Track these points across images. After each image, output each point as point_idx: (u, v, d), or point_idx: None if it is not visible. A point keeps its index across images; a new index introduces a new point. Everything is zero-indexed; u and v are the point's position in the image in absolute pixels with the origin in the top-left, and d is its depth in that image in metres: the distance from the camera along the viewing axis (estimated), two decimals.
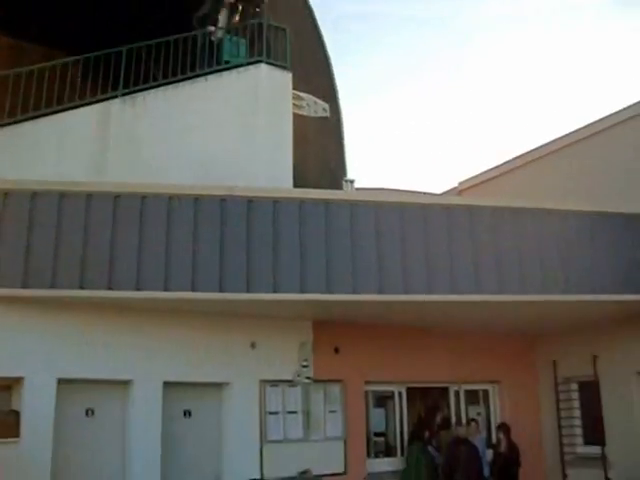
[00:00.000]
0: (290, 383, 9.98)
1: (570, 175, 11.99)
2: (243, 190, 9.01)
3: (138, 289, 8.51)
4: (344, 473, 10.12)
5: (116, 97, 9.58)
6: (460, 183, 14.17)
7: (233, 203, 8.90)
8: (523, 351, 12.35)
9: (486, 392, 12.22)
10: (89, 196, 8.53)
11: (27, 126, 9.06)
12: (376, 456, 10.87)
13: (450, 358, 11.38)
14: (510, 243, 9.59)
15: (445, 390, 11.82)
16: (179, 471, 9.19)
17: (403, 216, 9.36)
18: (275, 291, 8.79)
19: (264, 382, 9.79)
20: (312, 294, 8.90)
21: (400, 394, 11.23)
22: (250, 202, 8.93)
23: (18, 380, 8.32)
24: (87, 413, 8.89)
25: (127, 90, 9.67)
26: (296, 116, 11.01)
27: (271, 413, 9.77)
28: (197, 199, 8.80)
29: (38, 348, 8.39)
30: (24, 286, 8.20)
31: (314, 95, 11.38)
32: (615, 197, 10.97)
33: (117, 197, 8.60)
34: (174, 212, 8.72)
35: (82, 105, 9.41)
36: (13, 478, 7.95)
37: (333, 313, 10.06)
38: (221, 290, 8.64)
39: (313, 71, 11.82)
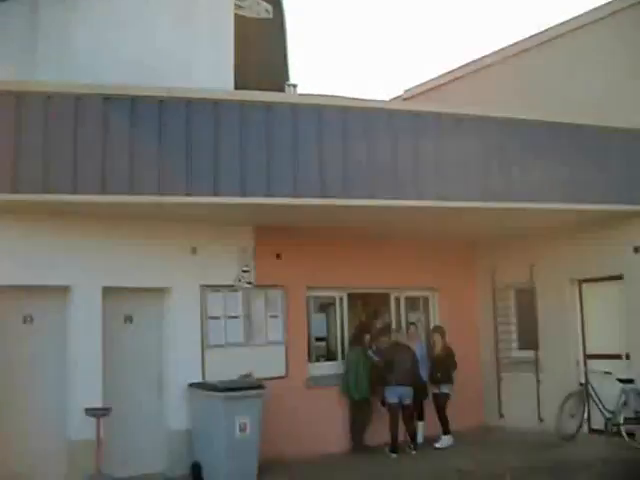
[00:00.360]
0: (231, 288, 9.96)
1: (516, 84, 11.96)
2: (182, 91, 8.67)
3: (75, 193, 8.28)
4: (285, 376, 10.28)
5: None
6: (405, 91, 14.01)
7: (172, 104, 8.61)
8: (463, 259, 12.61)
9: (426, 299, 12.46)
10: (19, 97, 8.16)
11: None
12: (317, 360, 11.06)
13: (391, 265, 11.52)
14: (452, 150, 9.53)
15: (386, 296, 11.98)
16: (121, 377, 9.16)
17: (346, 120, 9.16)
18: (215, 194, 8.65)
19: (205, 287, 9.74)
20: (252, 198, 8.75)
21: (341, 300, 11.35)
22: (189, 103, 8.62)
23: None
24: (25, 320, 8.75)
25: None
26: (237, 16, 10.63)
27: (212, 318, 9.77)
28: (134, 99, 8.44)
29: None
30: None
31: None
32: (558, 107, 11.01)
33: (49, 98, 8.25)
34: (110, 113, 8.43)
35: None
36: None
37: (274, 218, 9.96)
38: (160, 193, 8.41)
39: None
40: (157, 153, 8.45)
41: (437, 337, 11.21)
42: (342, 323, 11.29)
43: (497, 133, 9.85)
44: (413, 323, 11.70)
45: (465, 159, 9.62)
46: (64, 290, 8.85)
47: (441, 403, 10.97)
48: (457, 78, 12.62)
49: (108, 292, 9.08)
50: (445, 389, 10.96)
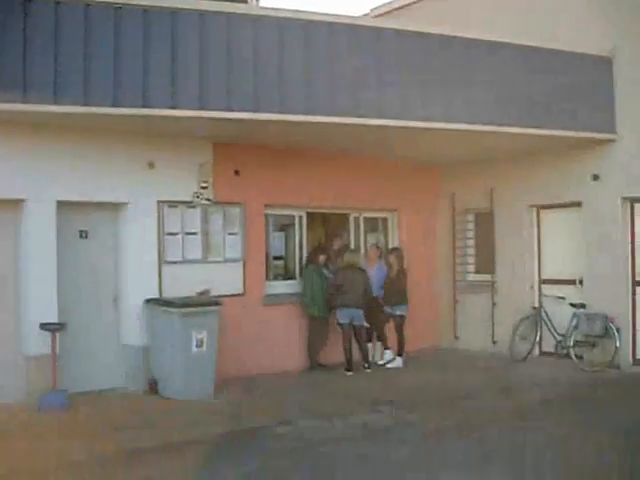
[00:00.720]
0: (189, 204, 9.79)
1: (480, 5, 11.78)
2: None
3: (25, 102, 7.97)
4: (243, 294, 10.26)
5: None
6: (372, 9, 13.65)
7: (128, 13, 8.20)
8: (424, 181, 12.58)
9: (385, 220, 12.48)
10: None
11: None
12: (275, 279, 11.08)
13: (352, 184, 11.47)
14: (415, 68, 9.35)
15: (345, 217, 11.96)
16: (77, 293, 9.06)
17: (308, 33, 8.91)
18: (173, 107, 8.38)
19: (162, 203, 9.55)
20: (212, 111, 8.50)
21: (300, 218, 11.26)
22: (146, 12, 8.25)
23: None
24: None
25: None
26: None
27: (170, 234, 9.61)
28: (88, 5, 8.04)
29: None
30: None
31: None
32: (523, 29, 10.83)
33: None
34: (62, 19, 8.05)
35: None
36: None
37: (233, 133, 9.72)
38: (115, 105, 8.12)
39: None
40: (113, 63, 8.07)
41: (393, 259, 11.23)
42: (300, 242, 11.23)
43: (459, 53, 9.64)
44: (375, 245, 11.73)
45: (427, 78, 9.43)
46: (18, 203, 8.58)
47: (397, 325, 11.14)
48: None
49: (62, 206, 8.81)
50: (399, 311, 11.10)
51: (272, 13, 9.33)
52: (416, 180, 12.38)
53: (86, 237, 9.27)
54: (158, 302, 9.13)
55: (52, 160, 8.71)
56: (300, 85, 8.85)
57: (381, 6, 13.28)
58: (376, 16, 13.04)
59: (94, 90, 8.03)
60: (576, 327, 10.51)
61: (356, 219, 12.02)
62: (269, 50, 8.76)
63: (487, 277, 12.03)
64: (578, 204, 10.81)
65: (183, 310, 8.75)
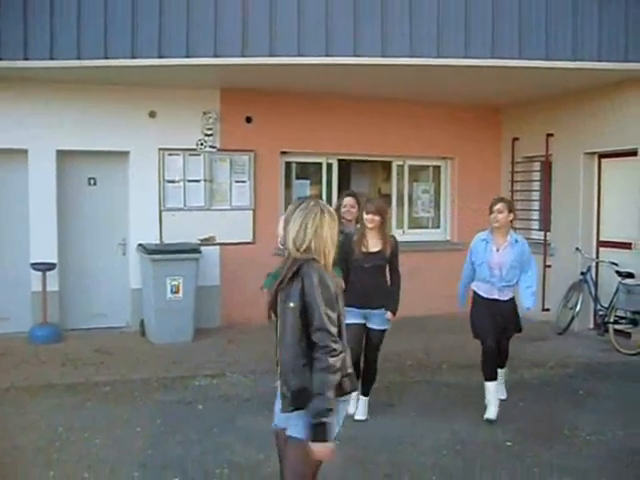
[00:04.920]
0: (192, 152, 9.86)
1: None
2: None
3: (26, 59, 8.57)
4: (253, 243, 10.19)
5: None
6: None
7: None
8: (482, 126, 11.23)
9: (437, 168, 11.44)
10: None
11: None
12: None
13: (394, 129, 10.67)
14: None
15: (387, 164, 11.18)
16: (86, 236, 9.72)
17: None
18: (188, 55, 8.48)
19: (164, 150, 9.75)
20: (226, 58, 8.36)
21: (330, 166, 10.76)
22: None
23: None
24: None
25: None
26: None
27: (170, 182, 9.81)
28: None
29: None
30: None
31: None
32: None
33: None
34: None
35: None
36: None
37: (245, 79, 9.45)
38: (132, 56, 8.28)
39: None
40: (130, 14, 8.18)
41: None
42: (329, 190, 10.74)
43: None
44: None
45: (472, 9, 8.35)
46: (22, 153, 9.29)
47: None
48: None
49: (65, 155, 9.46)
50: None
51: None
52: (472, 124, 11.11)
53: (95, 184, 9.84)
54: (141, 248, 9.44)
55: (53, 111, 9.27)
56: (320, 22, 8.21)
57: None
58: None
59: (113, 43, 8.22)
60: (619, 300, 8.91)
61: (400, 167, 11.16)
62: None
63: (541, 235, 10.54)
64: (634, 153, 9.00)
65: (154, 257, 8.98)
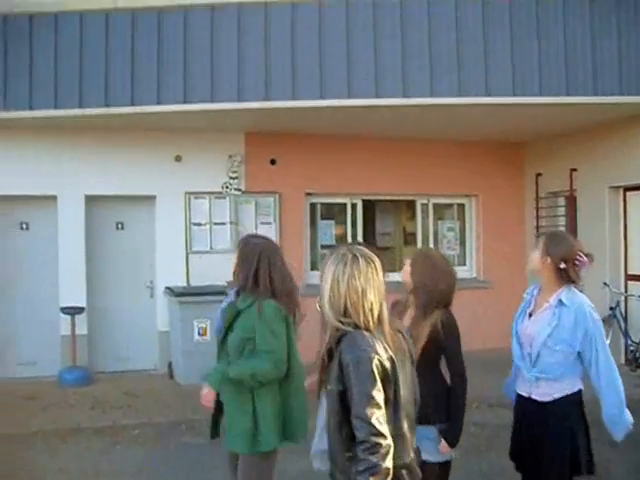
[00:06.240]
0: (218, 195, 10.01)
1: None
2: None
3: (56, 107, 8.85)
4: None
5: None
6: None
7: (168, 15, 8.58)
8: (505, 162, 11.22)
9: (461, 206, 11.43)
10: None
11: None
12: None
13: (417, 168, 10.71)
14: (477, 35, 8.42)
15: (411, 203, 11.21)
16: (113, 279, 9.87)
17: (347, 14, 8.49)
18: (212, 101, 8.70)
19: (189, 194, 9.92)
20: (249, 102, 8.62)
21: (354, 206, 10.82)
22: (187, 12, 8.55)
23: None
24: (21, 226, 9.69)
25: None
26: None
27: (196, 224, 9.96)
28: (134, 12, 8.53)
29: None
30: None
31: None
32: None
33: (31, 17, 8.70)
34: (87, 30, 8.58)
35: None
36: None
37: (269, 122, 9.65)
38: (158, 102, 8.57)
39: None
40: (156, 63, 8.48)
41: None
42: (354, 230, 10.78)
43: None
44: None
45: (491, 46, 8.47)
46: (52, 199, 9.53)
47: None
48: None
49: (93, 200, 9.68)
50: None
51: None
52: (495, 160, 11.10)
53: (122, 228, 10.01)
54: (168, 291, 9.53)
55: (82, 157, 9.51)
56: (341, 67, 8.44)
57: None
58: None
59: (139, 90, 8.52)
60: None
61: (424, 206, 11.20)
62: (307, 34, 8.53)
63: None
64: None
65: (181, 299, 9.07)
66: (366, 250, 2.86)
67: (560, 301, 3.86)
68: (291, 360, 3.97)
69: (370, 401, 2.63)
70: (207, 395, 3.95)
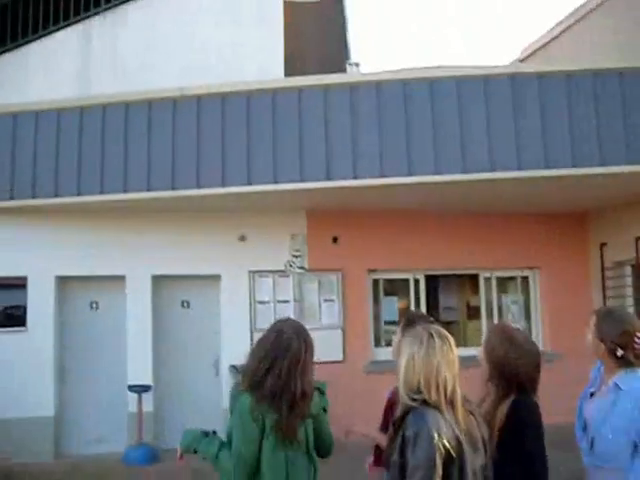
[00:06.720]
0: (281, 273, 10.19)
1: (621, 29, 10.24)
2: (243, 85, 9.10)
3: (125, 191, 9.28)
4: (343, 361, 10.22)
5: (97, 14, 10.10)
6: (522, 51, 12.63)
7: (232, 98, 9.06)
8: (569, 232, 11.12)
9: (525, 279, 11.29)
10: (81, 110, 9.25)
11: (15, 53, 10.02)
12: (388, 344, 10.74)
13: (479, 241, 10.71)
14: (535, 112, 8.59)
15: (474, 277, 11.14)
16: (180, 356, 10.05)
17: (404, 93, 8.86)
18: (276, 182, 8.98)
19: (253, 272, 10.12)
20: (311, 182, 8.92)
21: (417, 281, 10.83)
22: (251, 95, 9.03)
23: (22, 279, 9.65)
24: (92, 306, 10.04)
25: (108, 5, 10.13)
26: (291, 3, 10.63)
27: (261, 302, 10.12)
28: (200, 98, 9.08)
29: (38, 251, 9.63)
30: (34, 196, 9.27)
31: None
32: None
33: (104, 107, 9.26)
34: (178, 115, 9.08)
35: (65, 26, 10.07)
36: (24, 359, 9.48)
37: (331, 201, 9.92)
38: (223, 185, 8.96)
39: None
40: (220, 147, 8.91)
41: None
42: (418, 306, 10.71)
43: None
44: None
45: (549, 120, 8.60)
46: (121, 279, 9.90)
47: None
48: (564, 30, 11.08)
49: (160, 279, 9.99)
50: None
51: (369, 78, 9.48)
52: (557, 232, 11.02)
53: (188, 306, 10.25)
54: (233, 369, 9.56)
55: (149, 239, 9.88)
56: (401, 146, 8.73)
57: (528, 46, 12.20)
58: (525, 58, 12.06)
59: (205, 174, 8.94)
60: None
61: (487, 279, 11.13)
62: (366, 115, 8.85)
63: None
64: None
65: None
66: (440, 328, 2.96)
67: (617, 385, 3.51)
68: (262, 462, 3.51)
69: (422, 477, 2.67)
70: (179, 457, 3.69)
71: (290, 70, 10.32)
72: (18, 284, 9.69)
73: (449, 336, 2.93)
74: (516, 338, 3.58)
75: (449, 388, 2.81)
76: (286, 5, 10.32)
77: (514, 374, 3.47)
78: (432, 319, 4.36)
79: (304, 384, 3.51)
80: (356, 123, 8.92)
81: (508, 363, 3.47)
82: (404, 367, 2.88)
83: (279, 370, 3.53)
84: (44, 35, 9.98)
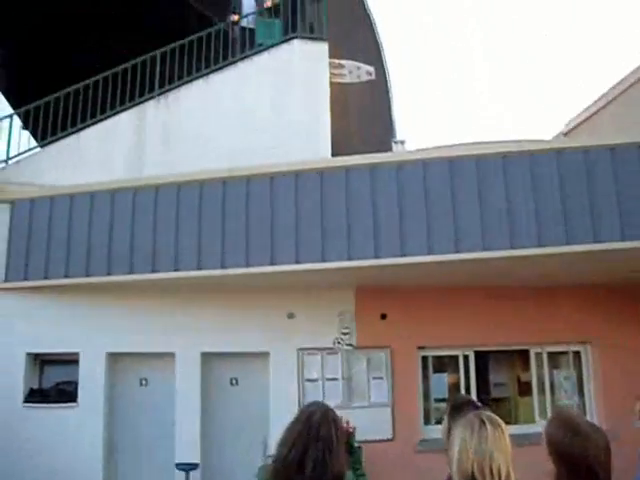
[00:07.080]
0: (330, 351, 10.16)
1: None
2: (289, 165, 9.39)
3: (176, 270, 9.47)
4: (392, 439, 10.04)
5: (151, 99, 10.54)
6: (566, 125, 12.70)
7: (279, 179, 9.32)
8: (621, 305, 10.82)
9: (577, 354, 11.02)
10: (135, 191, 9.65)
11: (74, 138, 10.48)
12: (438, 422, 10.55)
13: (529, 316, 10.53)
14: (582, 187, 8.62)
15: (525, 352, 10.93)
16: (228, 434, 10.02)
17: (450, 170, 9.01)
18: (324, 260, 9.10)
19: (302, 350, 10.13)
20: (359, 260, 9.00)
21: (466, 358, 10.68)
22: (297, 176, 9.29)
23: (74, 355, 9.83)
24: (141, 383, 10.15)
25: (162, 90, 10.57)
26: (338, 84, 10.94)
27: (309, 380, 10.08)
28: (249, 179, 9.37)
29: (92, 327, 9.84)
30: (88, 274, 9.59)
31: (358, 54, 11.09)
32: None
33: (157, 189, 9.61)
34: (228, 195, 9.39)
35: (120, 111, 10.52)
36: (72, 435, 9.58)
37: (379, 278, 9.96)
38: (272, 263, 9.11)
39: (355, 30, 11.49)
40: (269, 228, 9.15)
41: None
42: (468, 383, 10.58)
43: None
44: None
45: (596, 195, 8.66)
46: (170, 356, 10.01)
47: None
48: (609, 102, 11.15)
49: (209, 357, 10.06)
50: None
51: (416, 156, 9.66)
52: (610, 305, 10.73)
53: (236, 384, 10.26)
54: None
55: (199, 316, 9.99)
56: (448, 224, 8.84)
57: (573, 118, 12.25)
58: (570, 130, 12.12)
59: (254, 253, 9.13)
60: None
61: (538, 355, 10.90)
62: (412, 194, 9.00)
63: None
64: None
65: None
66: (491, 414, 2.92)
67: None
68: None
69: None
70: None
71: (336, 149, 10.56)
72: (70, 360, 9.88)
73: (501, 422, 2.90)
74: (578, 426, 3.11)
75: (503, 474, 2.77)
76: (332, 85, 10.64)
77: (576, 466, 3.02)
78: (479, 403, 4.27)
79: (339, 467, 3.28)
80: (402, 203, 9.05)
81: (572, 455, 3.02)
82: (457, 455, 2.85)
83: (313, 461, 3.23)
84: (101, 120, 10.42)
